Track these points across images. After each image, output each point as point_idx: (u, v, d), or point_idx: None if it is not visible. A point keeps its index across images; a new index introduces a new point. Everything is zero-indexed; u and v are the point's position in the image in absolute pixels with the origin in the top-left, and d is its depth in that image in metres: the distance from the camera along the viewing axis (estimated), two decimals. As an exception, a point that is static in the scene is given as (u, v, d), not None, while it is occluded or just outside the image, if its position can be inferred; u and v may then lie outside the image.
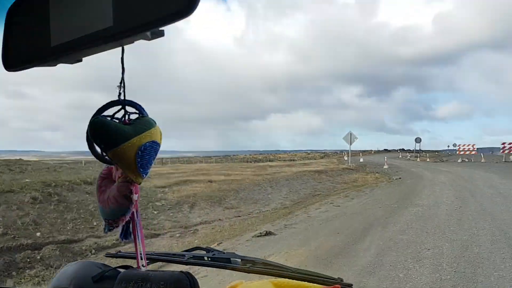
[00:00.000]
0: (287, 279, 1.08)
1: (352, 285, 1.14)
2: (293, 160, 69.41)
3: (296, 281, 1.08)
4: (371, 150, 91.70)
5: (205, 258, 1.29)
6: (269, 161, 69.21)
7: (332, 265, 5.45)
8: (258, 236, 8.28)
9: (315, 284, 1.06)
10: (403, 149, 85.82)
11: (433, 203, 10.08)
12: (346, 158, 40.41)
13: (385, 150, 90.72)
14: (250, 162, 62.66)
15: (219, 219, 11.35)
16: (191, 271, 0.96)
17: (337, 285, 1.07)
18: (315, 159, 75.11)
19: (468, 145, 32.74)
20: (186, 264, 1.30)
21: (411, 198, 11.25)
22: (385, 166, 26.63)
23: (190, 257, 1.30)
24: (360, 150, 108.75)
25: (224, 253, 1.35)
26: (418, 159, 40.42)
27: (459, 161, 32.21)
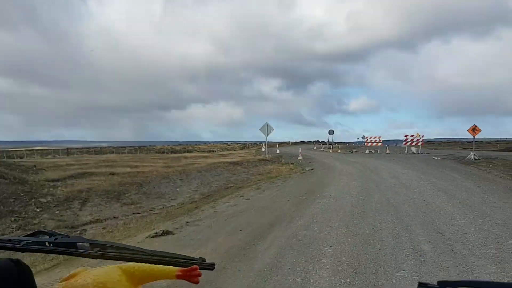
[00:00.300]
0: (138, 263, 1.05)
1: (214, 264, 1.08)
2: (212, 151, 68.58)
3: (149, 265, 1.05)
4: (289, 142, 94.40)
5: (47, 244, 1.14)
6: (187, 152, 67.56)
7: (226, 271, 4.72)
8: (153, 237, 7.30)
9: (170, 267, 1.04)
10: (318, 141, 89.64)
11: (340, 195, 9.96)
12: (263, 149, 40.65)
13: (301, 141, 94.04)
14: (166, 153, 60.34)
15: (114, 217, 10.10)
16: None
17: (195, 266, 1.04)
18: (234, 150, 75.17)
19: (374, 137, 34.74)
20: (23, 251, 1.12)
21: (320, 190, 11.09)
22: (300, 157, 27.01)
23: (29, 242, 1.14)
24: (278, 142, 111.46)
25: (69, 237, 1.20)
26: (331, 150, 42.12)
27: (366, 152, 34.05)
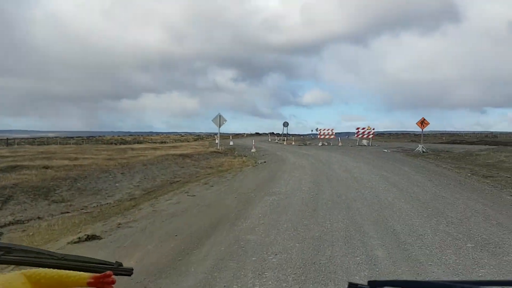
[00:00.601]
0: (46, 269, 0.99)
1: (132, 269, 1.05)
2: (164, 143, 66.52)
3: (58, 271, 0.98)
4: (244, 134, 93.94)
5: None
6: (138, 143, 65.00)
7: (149, 291, 3.88)
8: (75, 242, 6.27)
9: (82, 273, 0.98)
10: (273, 133, 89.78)
11: (290, 190, 9.37)
12: (217, 141, 39.69)
13: (256, 133, 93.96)
14: (115, 144, 57.66)
15: (38, 217, 8.87)
16: None
17: (109, 272, 0.98)
18: (188, 141, 73.47)
19: (327, 130, 34.95)
20: None
21: (270, 185, 10.46)
22: (253, 150, 26.41)
23: None
24: (233, 133, 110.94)
25: None
26: (285, 143, 41.98)
27: (319, 144, 34.17)
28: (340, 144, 33.44)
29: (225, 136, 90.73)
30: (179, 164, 18.22)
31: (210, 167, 18.26)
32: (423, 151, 24.81)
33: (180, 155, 20.93)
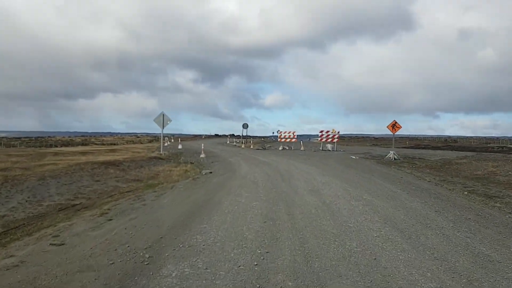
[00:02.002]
0: None
1: None
2: (114, 144, 60.69)
3: None
4: (202, 135, 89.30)
5: None
6: (84, 145, 58.83)
7: None
8: None
9: None
10: (233, 135, 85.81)
11: (221, 243, 5.33)
12: (167, 144, 35.06)
13: (216, 135, 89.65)
14: (54, 146, 51.38)
15: None
16: None
17: None
18: (141, 143, 67.73)
19: (289, 132, 31.40)
20: None
21: (195, 224, 6.39)
22: (202, 155, 22.24)
23: None
24: (193, 135, 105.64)
25: None
26: (243, 146, 38.09)
27: (280, 148, 30.55)
28: (302, 148, 29.96)
29: (181, 138, 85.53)
30: (95, 177, 13.73)
31: (138, 180, 13.91)
32: (394, 158, 21.71)
33: (104, 163, 16.39)
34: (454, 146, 45.66)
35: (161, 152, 22.72)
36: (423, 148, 43.47)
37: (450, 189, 10.97)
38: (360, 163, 18.81)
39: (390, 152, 22.32)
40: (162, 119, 22.57)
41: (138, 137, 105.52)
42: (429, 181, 12.79)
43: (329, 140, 29.30)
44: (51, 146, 48.66)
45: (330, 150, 28.64)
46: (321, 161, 18.81)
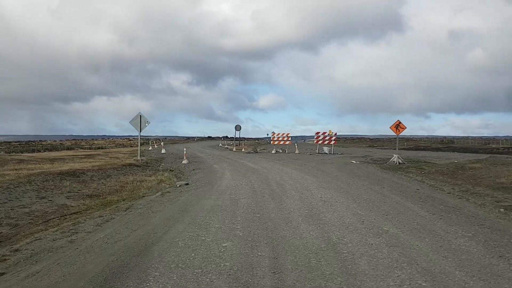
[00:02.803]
0: None
1: None
2: (102, 148, 57.81)
3: None
4: (195, 138, 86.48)
5: None
6: (68, 149, 55.87)
7: None
8: None
9: None
10: (226, 137, 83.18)
11: None
12: (151, 148, 32.31)
13: (209, 137, 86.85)
14: (37, 151, 48.35)
15: None
16: None
17: None
18: (131, 146, 64.76)
19: (282, 134, 28.77)
20: None
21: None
22: (184, 161, 19.53)
23: None
24: (186, 137, 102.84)
25: None
26: (234, 149, 35.44)
27: (273, 152, 27.91)
28: (297, 151, 27.34)
29: (175, 141, 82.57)
30: (43, 192, 11.01)
31: (95, 196, 11.19)
32: (399, 162, 19.17)
33: (62, 173, 13.64)
34: (455, 148, 43.28)
35: (139, 158, 19.99)
36: (423, 149, 41.07)
37: (479, 205, 8.44)
38: (362, 169, 16.21)
39: (394, 155, 19.75)
40: (139, 121, 19.86)
41: (130, 140, 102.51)
42: (448, 193, 10.27)
43: (326, 142, 26.72)
44: (33, 151, 45.59)
45: (327, 153, 26.05)
46: (318, 167, 16.20)
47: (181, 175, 15.65)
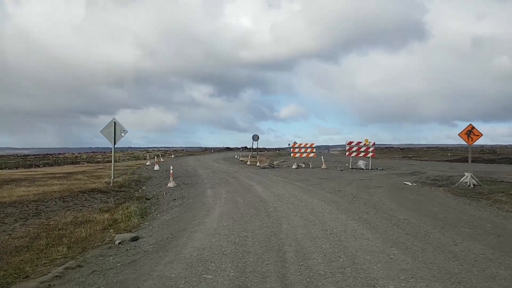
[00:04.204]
0: None
1: None
2: (107, 162, 53.65)
3: None
4: (211, 149, 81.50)
5: None
6: (73, 163, 51.88)
7: None
8: None
9: None
10: (246, 147, 77.75)
11: None
12: (148, 163, 27.09)
13: (227, 148, 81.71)
14: (42, 166, 44.35)
15: None
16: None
17: None
18: (145, 159, 60.16)
19: (305, 145, 22.97)
20: None
21: None
22: (170, 184, 14.04)
23: None
24: (204, 148, 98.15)
25: None
26: (249, 162, 29.84)
27: (293, 166, 22.14)
28: (324, 166, 21.47)
29: (192, 152, 77.69)
30: None
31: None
32: (473, 184, 13.12)
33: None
34: (509, 158, 36.20)
35: (111, 180, 14.63)
36: (473, 161, 34.17)
37: None
38: (432, 199, 10.23)
39: (466, 174, 13.64)
40: (113, 130, 14.62)
41: (149, 152, 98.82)
42: None
43: (361, 154, 20.77)
44: (30, 166, 41.60)
45: (363, 169, 20.08)
46: (362, 196, 10.34)
47: (154, 209, 10.20)
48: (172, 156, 51.92)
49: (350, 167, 20.67)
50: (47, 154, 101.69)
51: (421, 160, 40.18)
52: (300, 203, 9.18)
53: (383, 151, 75.73)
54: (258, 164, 27.47)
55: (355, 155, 20.83)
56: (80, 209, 10.42)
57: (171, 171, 14.10)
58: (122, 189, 13.69)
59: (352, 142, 20.91)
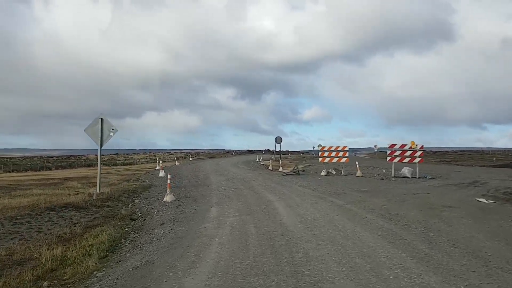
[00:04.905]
0: None
1: None
2: (129, 164, 51.48)
3: None
4: (233, 152, 78.46)
5: None
6: (88, 166, 50.03)
7: None
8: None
9: None
10: (268, 150, 74.37)
11: None
12: (157, 168, 24.16)
13: (249, 151, 78.46)
14: (50, 168, 42.52)
15: None
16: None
17: None
18: (164, 161, 57.99)
19: (336, 148, 19.42)
20: None
21: None
22: (167, 198, 10.86)
23: None
24: (226, 151, 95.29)
25: None
26: (270, 167, 26.52)
27: (322, 174, 18.66)
28: (359, 173, 17.90)
29: (213, 154, 74.83)
30: None
31: None
32: None
33: None
34: None
35: (94, 192, 11.60)
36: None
37: None
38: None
39: None
40: (100, 129, 11.66)
41: (171, 154, 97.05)
42: None
43: (407, 160, 17.05)
44: (41, 169, 39.80)
45: (409, 177, 16.39)
46: (432, 222, 6.85)
47: (130, 240, 7.06)
48: (190, 159, 49.20)
49: (393, 175, 16.99)
50: (71, 155, 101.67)
51: (463, 166, 35.67)
52: (346, 240, 5.78)
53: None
54: (280, 169, 24.10)
55: (399, 161, 17.13)
56: (31, 237, 7.41)
57: (168, 181, 10.88)
58: (106, 204, 10.67)
59: (395, 144, 17.23)
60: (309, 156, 65.30)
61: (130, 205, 10.98)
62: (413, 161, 17.02)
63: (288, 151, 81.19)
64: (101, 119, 11.65)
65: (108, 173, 24.03)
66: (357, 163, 19.12)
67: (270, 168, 26.21)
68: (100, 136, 11.64)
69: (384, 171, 21.47)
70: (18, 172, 30.04)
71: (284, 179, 16.87)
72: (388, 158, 17.39)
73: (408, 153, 17.08)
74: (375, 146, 66.60)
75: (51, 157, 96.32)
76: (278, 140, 43.53)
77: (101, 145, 11.75)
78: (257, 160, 39.93)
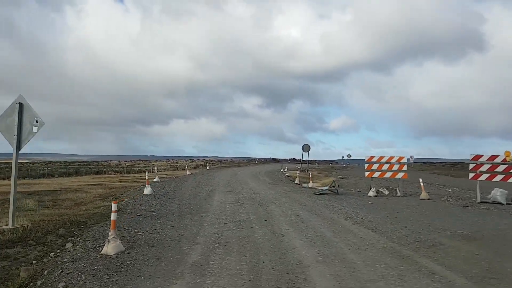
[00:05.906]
0: None
1: None
2: (143, 172, 47.47)
3: None
4: (255, 160, 73.31)
5: None
6: (99, 173, 46.30)
7: None
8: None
9: None
10: (294, 159, 68.79)
11: None
12: (156, 179, 19.35)
13: (273, 159, 73.19)
14: (84, 174, 38.82)
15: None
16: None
17: None
18: (183, 169, 53.89)
19: (389, 159, 13.96)
20: None
21: None
22: (107, 248, 5.92)
23: None
24: (250, 159, 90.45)
25: None
26: (297, 180, 21.25)
27: (371, 194, 13.30)
28: (424, 195, 12.45)
29: (236, 163, 70.00)
30: None
31: None
32: None
33: None
34: None
35: (6, 226, 6.80)
36: None
37: None
38: None
39: None
40: (16, 120, 6.92)
41: (193, 161, 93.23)
42: None
43: (499, 178, 11.41)
44: (68, 175, 36.22)
45: (503, 204, 10.79)
46: None
47: None
48: (207, 167, 44.49)
49: (478, 199, 11.36)
50: (94, 161, 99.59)
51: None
52: None
53: (453, 165, 62.85)
54: (311, 184, 18.79)
55: (486, 179, 11.51)
56: None
57: (113, 217, 5.85)
58: (14, 248, 5.86)
59: (482, 156, 11.61)
60: (338, 167, 59.27)
61: (52, 254, 6.10)
62: (508, 179, 11.38)
63: (315, 160, 75.36)
64: (20, 104, 6.91)
65: (98, 184, 19.54)
66: (421, 180, 13.52)
67: (297, 181, 20.96)
68: (18, 132, 6.90)
69: (449, 190, 15.81)
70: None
71: (319, 202, 11.61)
72: (471, 175, 11.80)
73: (500, 169, 11.48)
74: (411, 157, 59.92)
75: (73, 162, 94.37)
76: (306, 148, 38.06)
77: (18, 148, 6.97)
78: (282, 170, 34.67)
